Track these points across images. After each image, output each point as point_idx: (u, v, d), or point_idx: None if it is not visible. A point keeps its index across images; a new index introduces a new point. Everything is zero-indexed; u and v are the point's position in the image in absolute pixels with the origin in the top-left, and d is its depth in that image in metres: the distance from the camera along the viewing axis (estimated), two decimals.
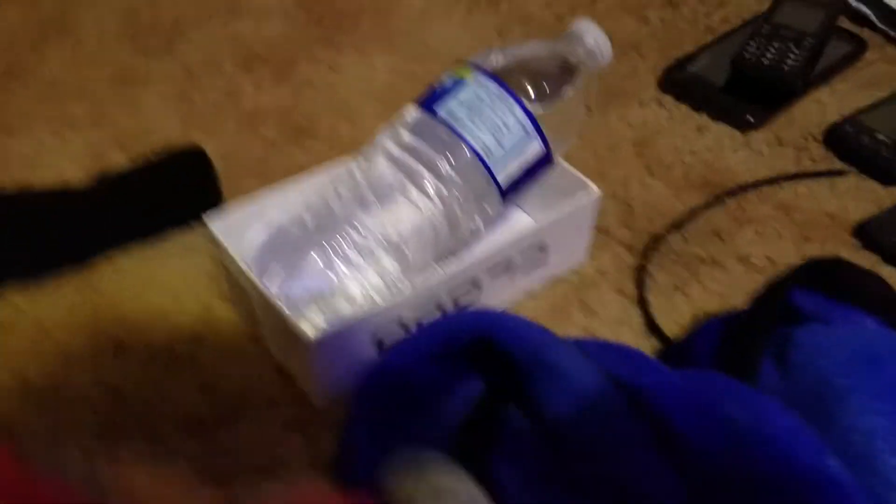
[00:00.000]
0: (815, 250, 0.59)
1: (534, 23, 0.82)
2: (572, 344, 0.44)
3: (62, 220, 0.56)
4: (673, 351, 0.49)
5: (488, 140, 0.49)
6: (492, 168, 0.49)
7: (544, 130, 0.50)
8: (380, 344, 0.48)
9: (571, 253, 0.56)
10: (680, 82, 0.73)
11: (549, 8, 0.84)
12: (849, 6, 0.79)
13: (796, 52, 0.70)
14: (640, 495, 0.35)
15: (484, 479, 0.38)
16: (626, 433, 0.37)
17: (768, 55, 0.70)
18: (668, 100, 0.73)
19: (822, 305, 0.43)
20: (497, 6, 0.84)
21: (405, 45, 0.79)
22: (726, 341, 0.45)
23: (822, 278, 0.44)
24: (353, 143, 0.56)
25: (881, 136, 0.65)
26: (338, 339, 0.45)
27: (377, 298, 0.48)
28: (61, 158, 0.64)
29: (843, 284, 0.43)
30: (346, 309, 0.49)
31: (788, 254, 0.58)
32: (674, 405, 0.39)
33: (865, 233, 0.58)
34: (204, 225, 0.58)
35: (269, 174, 0.64)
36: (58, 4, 0.82)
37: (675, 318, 0.54)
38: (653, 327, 0.53)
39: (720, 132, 0.69)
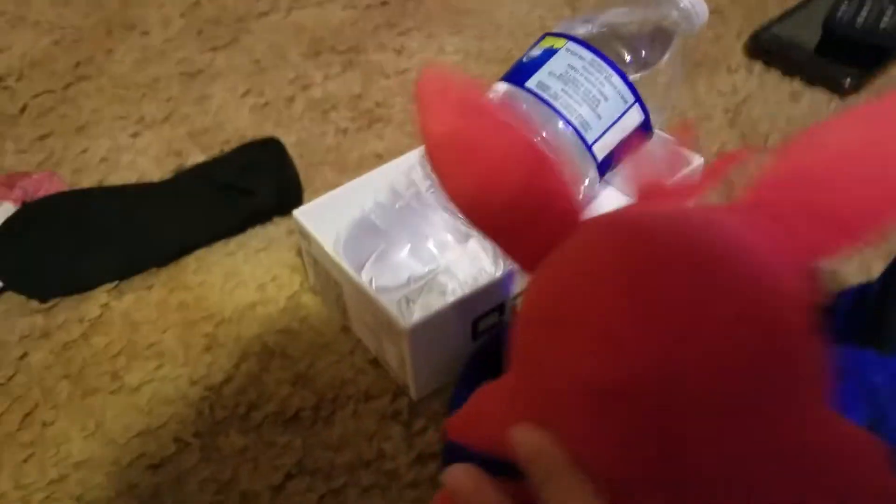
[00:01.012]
0: None
1: None
2: None
3: (145, 217, 0.55)
4: None
5: (584, 111, 0.46)
6: (588, 141, 0.46)
7: (643, 98, 0.47)
8: (475, 329, 0.45)
9: None
10: (768, 47, 0.69)
11: None
12: None
13: (892, 9, 0.65)
14: None
15: None
16: None
17: (862, 14, 0.66)
18: (758, 65, 0.69)
19: None
20: None
21: (472, 23, 0.76)
22: (859, 313, 0.41)
23: None
24: None
25: None
26: (433, 326, 0.43)
27: (470, 283, 0.45)
28: (138, 156, 0.63)
29: None
30: (439, 296, 0.46)
31: None
32: None
33: None
34: (285, 217, 0.57)
35: (344, 162, 0.62)
36: (121, 1, 0.82)
37: None
38: None
39: (816, 98, 0.65)
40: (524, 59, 0.49)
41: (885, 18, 0.65)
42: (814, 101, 0.65)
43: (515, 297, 0.46)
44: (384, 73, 0.71)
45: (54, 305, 0.52)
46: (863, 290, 0.43)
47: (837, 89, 0.65)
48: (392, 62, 0.72)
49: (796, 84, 0.67)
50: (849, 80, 0.65)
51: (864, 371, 0.36)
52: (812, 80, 0.66)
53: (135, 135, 0.65)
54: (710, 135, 0.62)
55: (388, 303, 0.43)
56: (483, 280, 0.45)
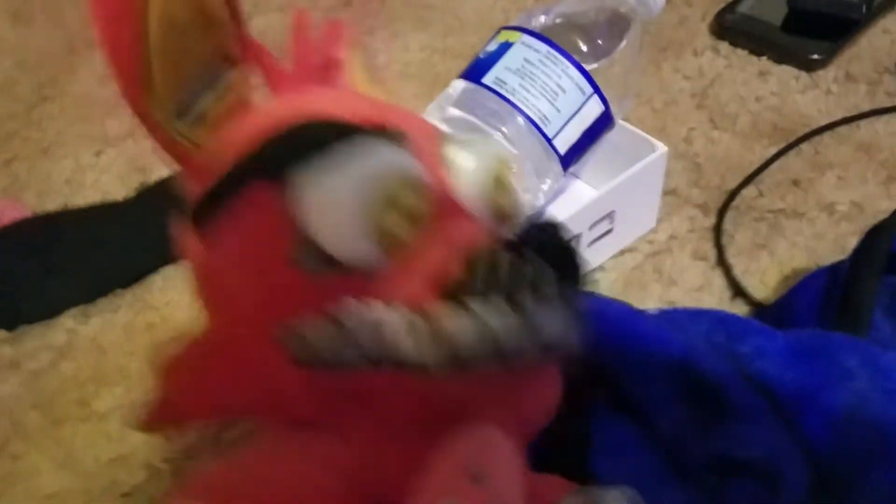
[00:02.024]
0: None
1: None
2: (660, 317, 0.40)
3: (110, 239, 0.55)
4: (767, 314, 0.45)
5: (542, 105, 0.45)
6: (549, 135, 0.45)
7: (601, 88, 0.46)
8: None
9: (640, 219, 0.53)
10: (734, 25, 0.69)
11: None
12: None
13: None
14: (766, 472, 0.32)
15: (584, 474, 0.35)
16: (740, 409, 0.33)
17: None
18: (724, 46, 0.68)
19: None
20: None
21: (437, 20, 0.75)
22: (830, 296, 0.41)
23: None
24: None
25: None
26: None
27: None
28: (102, 175, 0.62)
29: None
30: None
31: (877, 197, 0.54)
32: (782, 367, 0.35)
33: None
34: None
35: None
36: (83, 19, 0.81)
37: (762, 279, 0.50)
38: (738, 291, 0.49)
39: (784, 74, 0.65)
40: (481, 55, 0.48)
41: None
42: (782, 78, 0.64)
43: None
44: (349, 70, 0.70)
45: (21, 334, 0.51)
46: (834, 270, 0.43)
47: (806, 64, 0.65)
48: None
49: (764, 62, 0.66)
50: (816, 54, 0.64)
51: (836, 354, 0.36)
52: (780, 57, 0.66)
53: (98, 153, 0.64)
54: (677, 120, 0.62)
55: None
56: None
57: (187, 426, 0.37)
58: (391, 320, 0.27)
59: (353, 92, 0.35)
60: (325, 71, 0.34)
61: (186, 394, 0.32)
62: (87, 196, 0.61)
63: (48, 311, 0.52)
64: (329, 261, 0.27)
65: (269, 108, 0.31)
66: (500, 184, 0.31)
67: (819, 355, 0.36)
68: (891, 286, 0.39)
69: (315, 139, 0.27)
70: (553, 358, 0.30)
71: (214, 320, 0.31)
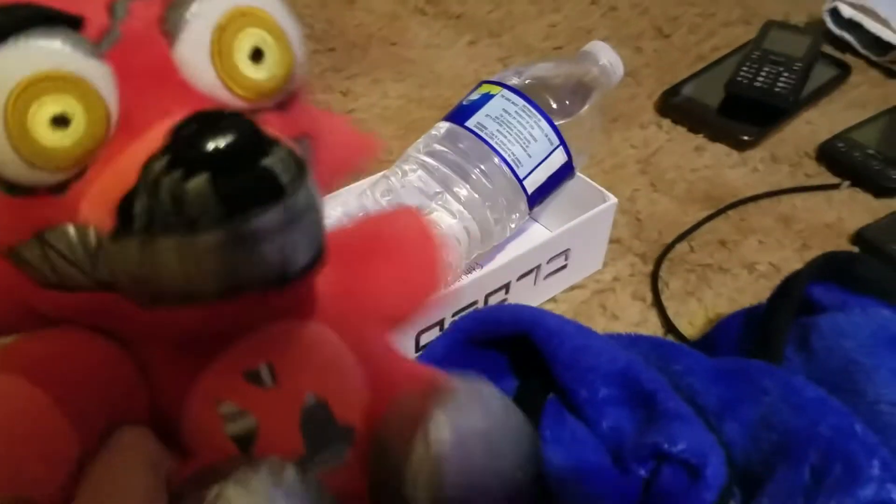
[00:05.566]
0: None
1: (534, 53, 0.86)
2: (607, 337, 0.47)
3: None
4: (695, 348, 0.52)
5: (516, 150, 0.52)
6: (520, 176, 0.52)
7: (566, 142, 0.53)
8: (417, 343, 0.50)
9: (589, 260, 0.59)
10: (676, 106, 0.77)
11: (548, 40, 0.88)
12: (832, 33, 0.84)
13: (786, 75, 0.74)
14: (691, 465, 0.38)
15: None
16: (671, 411, 0.39)
17: (760, 78, 0.74)
18: (667, 122, 0.77)
19: (837, 296, 0.46)
20: (499, 37, 0.88)
21: (414, 72, 0.82)
22: (748, 333, 0.48)
23: (836, 271, 0.47)
24: (373, 161, 0.59)
25: (871, 151, 0.69)
26: None
27: None
28: None
29: (855, 276, 0.47)
30: None
31: (791, 260, 0.62)
32: (707, 383, 0.42)
33: (863, 239, 0.62)
34: None
35: None
36: None
37: (691, 321, 0.57)
38: (671, 328, 0.56)
39: (718, 151, 0.73)
40: (464, 103, 0.54)
41: (780, 82, 0.74)
42: (715, 155, 0.73)
43: (455, 314, 0.50)
44: (331, 112, 0.76)
45: None
46: (752, 311, 0.50)
47: (737, 144, 0.73)
48: (339, 102, 0.77)
49: (701, 139, 0.75)
50: (747, 136, 0.73)
51: (753, 375, 0.42)
52: (715, 135, 0.74)
53: None
54: (623, 181, 0.69)
55: None
56: None
57: None
58: (75, 241, 0.26)
59: None
60: None
61: None
62: None
63: None
64: (9, 183, 0.25)
65: None
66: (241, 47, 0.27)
67: (739, 375, 0.43)
68: (801, 326, 0.46)
69: None
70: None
71: None
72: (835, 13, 0.84)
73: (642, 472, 0.39)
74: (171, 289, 0.25)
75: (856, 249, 0.62)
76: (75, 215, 0.26)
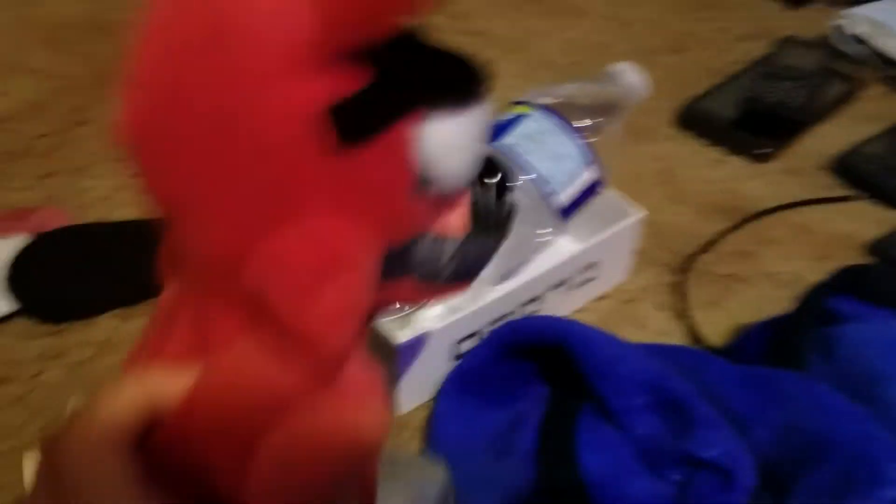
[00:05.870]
0: (834, 267, 0.64)
1: (553, 68, 0.89)
2: (640, 346, 0.49)
3: (148, 252, 0.60)
4: (720, 355, 0.54)
5: (550, 165, 0.54)
6: (553, 191, 0.55)
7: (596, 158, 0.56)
8: (457, 353, 0.53)
9: (616, 271, 0.62)
10: (694, 120, 0.80)
11: (567, 55, 0.91)
12: (841, 48, 0.86)
13: (801, 89, 0.77)
14: (722, 470, 0.40)
15: (575, 469, 0.43)
16: (702, 418, 0.42)
17: (776, 93, 0.77)
18: (685, 136, 0.79)
19: (855, 308, 0.49)
20: (518, 53, 0.91)
21: None
22: (773, 342, 0.50)
23: (854, 284, 0.50)
24: None
25: (885, 163, 0.71)
26: (419, 345, 0.50)
27: (454, 311, 0.53)
28: (139, 196, 0.68)
29: (872, 288, 0.49)
30: (426, 322, 0.53)
31: (811, 270, 0.64)
32: (735, 390, 0.44)
33: (880, 249, 0.64)
34: None
35: None
36: (112, 52, 0.87)
37: (715, 330, 0.59)
38: (697, 338, 0.58)
39: (736, 164, 0.76)
40: (499, 122, 0.57)
41: (797, 97, 0.76)
42: (734, 167, 0.75)
43: (492, 323, 0.53)
44: None
45: (64, 329, 0.57)
46: (776, 321, 0.52)
47: (755, 157, 0.76)
48: None
49: (718, 152, 0.77)
50: (764, 149, 0.76)
51: (779, 381, 0.45)
52: (733, 148, 0.77)
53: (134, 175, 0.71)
54: (642, 193, 0.71)
55: (381, 324, 0.50)
56: (465, 309, 0.52)
57: None
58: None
59: None
60: None
61: None
62: (122, 214, 0.67)
63: (92, 309, 0.57)
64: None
65: None
66: None
67: (765, 382, 0.45)
68: (824, 336, 0.49)
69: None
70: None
71: None
72: (842, 29, 0.86)
73: (676, 477, 0.42)
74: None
75: (872, 260, 0.65)
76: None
